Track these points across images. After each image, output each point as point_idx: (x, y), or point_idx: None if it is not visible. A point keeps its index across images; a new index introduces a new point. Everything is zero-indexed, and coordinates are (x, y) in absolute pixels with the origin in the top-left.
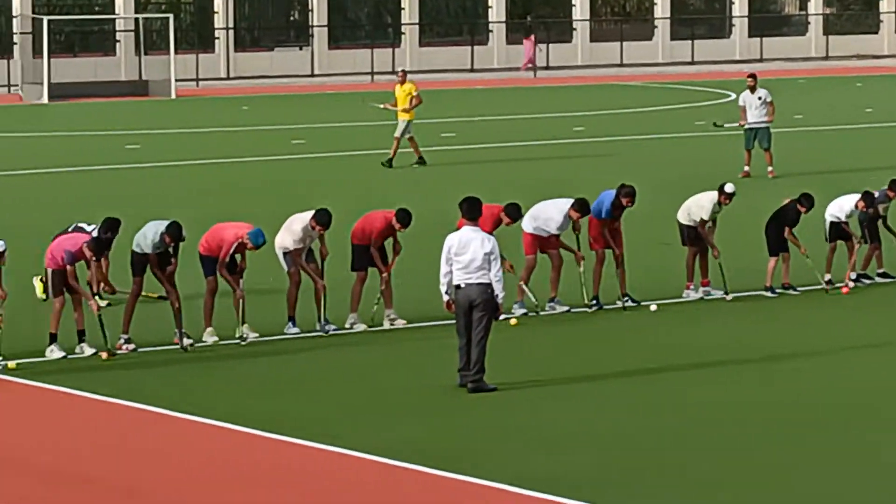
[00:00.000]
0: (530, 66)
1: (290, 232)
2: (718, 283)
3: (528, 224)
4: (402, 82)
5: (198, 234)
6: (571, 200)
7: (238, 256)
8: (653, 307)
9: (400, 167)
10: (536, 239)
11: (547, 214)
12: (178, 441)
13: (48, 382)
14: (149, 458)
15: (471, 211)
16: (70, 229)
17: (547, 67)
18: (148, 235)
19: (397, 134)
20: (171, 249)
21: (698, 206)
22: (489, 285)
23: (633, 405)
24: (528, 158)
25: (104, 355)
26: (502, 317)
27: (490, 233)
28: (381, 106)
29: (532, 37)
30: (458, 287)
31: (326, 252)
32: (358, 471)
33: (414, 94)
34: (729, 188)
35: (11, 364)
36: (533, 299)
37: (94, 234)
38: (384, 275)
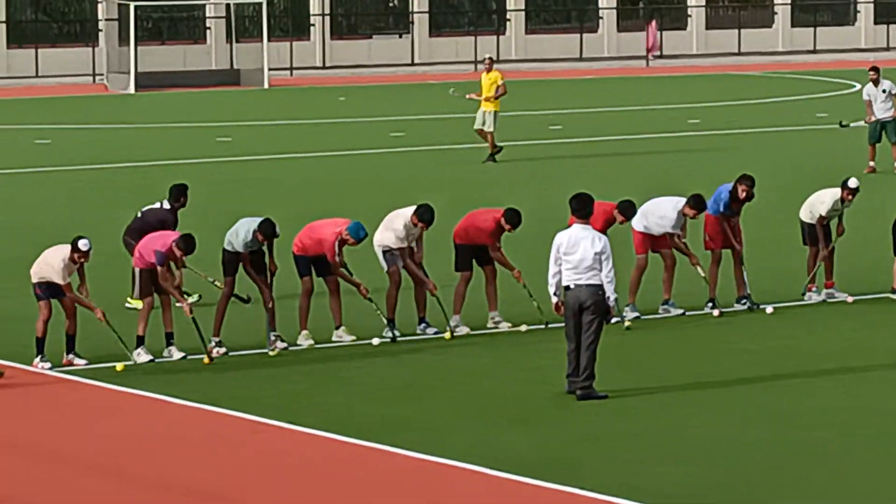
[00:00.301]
0: (656, 54)
1: (392, 229)
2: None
3: (638, 222)
4: (489, 70)
5: (291, 232)
6: (685, 198)
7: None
8: (769, 310)
9: (503, 161)
10: (647, 238)
11: (660, 212)
12: (269, 449)
13: (134, 387)
14: (240, 467)
15: (581, 208)
16: (139, 215)
17: (661, 56)
18: (240, 233)
19: (479, 125)
20: (264, 248)
21: (819, 202)
22: (600, 286)
23: (751, 413)
24: (641, 152)
25: (206, 359)
26: (614, 320)
27: (602, 231)
28: (466, 96)
29: (654, 22)
30: (567, 288)
31: (421, 256)
32: (462, 481)
33: (500, 83)
34: (852, 183)
35: (119, 366)
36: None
37: (166, 205)
38: (514, 271)
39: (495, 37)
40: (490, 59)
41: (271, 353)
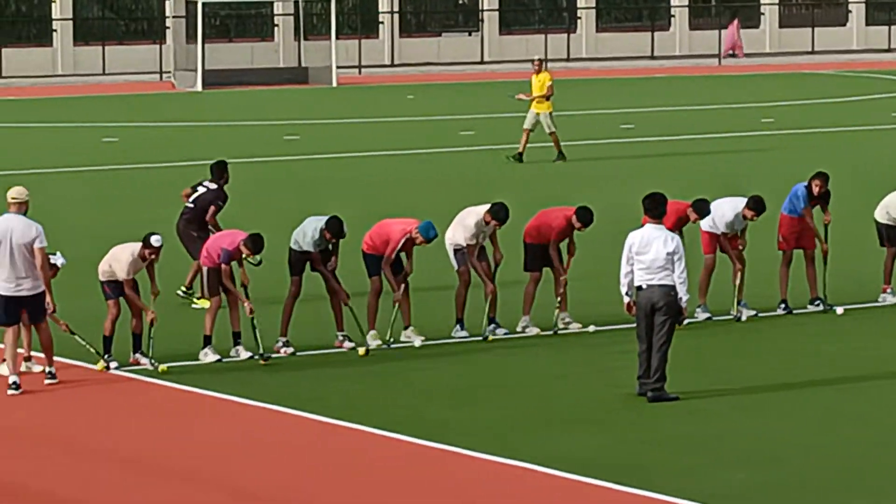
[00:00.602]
0: (731, 52)
1: (463, 227)
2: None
3: (704, 222)
4: (538, 72)
5: (360, 232)
6: (746, 198)
7: (403, 255)
8: (839, 311)
9: (574, 160)
10: (714, 238)
11: (720, 212)
12: (336, 450)
13: (201, 387)
14: (312, 470)
15: (654, 208)
16: (191, 205)
17: (733, 55)
18: (307, 232)
19: (528, 126)
20: (331, 246)
21: None
22: (672, 287)
23: (825, 416)
24: (712, 151)
25: (262, 361)
26: (686, 321)
27: (674, 231)
28: (517, 96)
29: (736, 21)
30: (639, 288)
31: (501, 255)
32: (532, 484)
33: (548, 83)
34: None
35: (163, 367)
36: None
37: (212, 185)
38: (562, 277)
39: (566, 35)
40: (540, 60)
41: (359, 352)
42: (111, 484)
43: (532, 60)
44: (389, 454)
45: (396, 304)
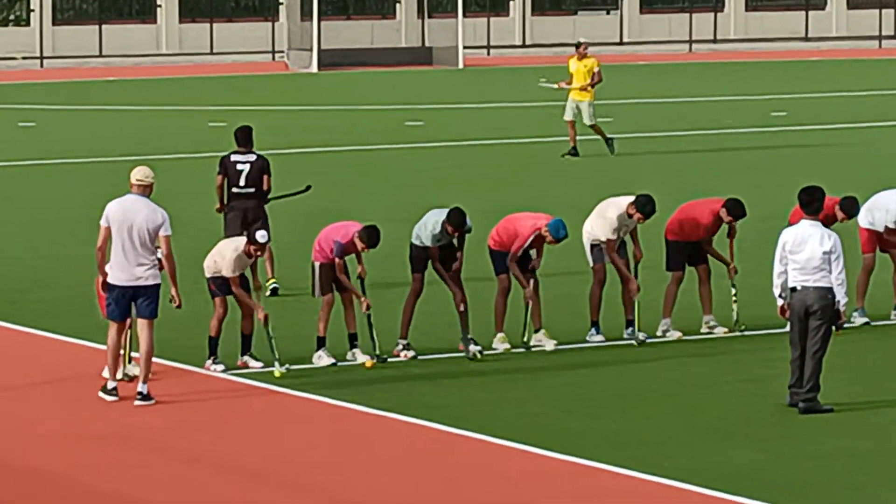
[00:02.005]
0: None
1: (604, 220)
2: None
3: (863, 218)
4: (581, 57)
5: (486, 227)
6: None
7: (533, 252)
8: None
9: (720, 150)
10: (873, 235)
11: (884, 205)
12: (466, 463)
13: (314, 392)
14: (436, 482)
15: (810, 203)
16: (242, 185)
17: (895, 36)
18: (428, 225)
19: (570, 117)
20: (455, 241)
21: None
22: (829, 289)
23: None
24: (871, 141)
25: (368, 363)
26: (846, 325)
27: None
28: (556, 85)
29: None
30: (793, 290)
31: (641, 253)
32: (678, 501)
33: (595, 69)
34: None
35: (278, 372)
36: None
37: (251, 156)
38: (731, 266)
39: (712, 14)
40: (585, 43)
41: (470, 357)
42: (227, 498)
43: (577, 44)
44: (521, 468)
45: (529, 303)
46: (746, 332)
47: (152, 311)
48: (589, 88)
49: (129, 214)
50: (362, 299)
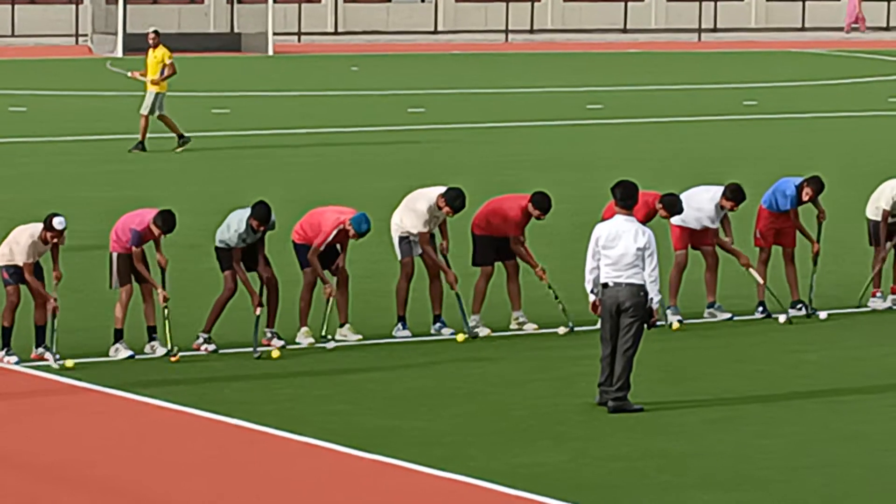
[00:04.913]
0: (855, 26)
1: (413, 212)
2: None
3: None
4: (154, 46)
5: (291, 221)
6: (722, 187)
7: (338, 246)
8: (822, 315)
9: (534, 142)
10: (686, 232)
11: (697, 203)
12: (264, 460)
13: (111, 386)
14: (238, 480)
15: (625, 197)
16: None
17: (714, 29)
18: (232, 226)
19: (145, 111)
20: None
21: (887, 197)
22: (642, 286)
23: (809, 433)
24: (688, 136)
25: (172, 358)
26: (659, 323)
27: (643, 224)
28: (129, 74)
29: None
30: (605, 286)
31: (447, 246)
32: (483, 501)
33: (167, 62)
34: None
35: (69, 363)
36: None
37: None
38: (538, 269)
39: (529, 4)
40: (155, 32)
41: (274, 355)
42: (19, 495)
43: (148, 34)
44: (324, 466)
45: (331, 299)
46: (550, 330)
47: None
48: (160, 81)
49: None
50: (160, 291)
